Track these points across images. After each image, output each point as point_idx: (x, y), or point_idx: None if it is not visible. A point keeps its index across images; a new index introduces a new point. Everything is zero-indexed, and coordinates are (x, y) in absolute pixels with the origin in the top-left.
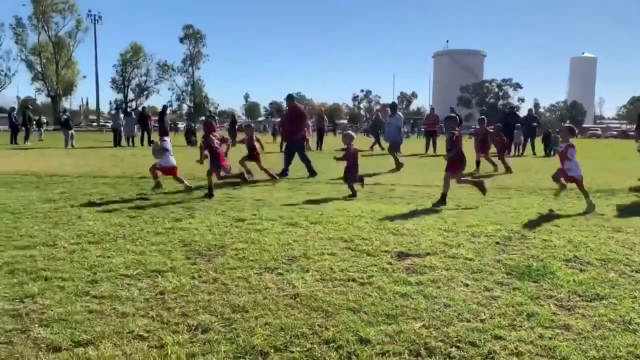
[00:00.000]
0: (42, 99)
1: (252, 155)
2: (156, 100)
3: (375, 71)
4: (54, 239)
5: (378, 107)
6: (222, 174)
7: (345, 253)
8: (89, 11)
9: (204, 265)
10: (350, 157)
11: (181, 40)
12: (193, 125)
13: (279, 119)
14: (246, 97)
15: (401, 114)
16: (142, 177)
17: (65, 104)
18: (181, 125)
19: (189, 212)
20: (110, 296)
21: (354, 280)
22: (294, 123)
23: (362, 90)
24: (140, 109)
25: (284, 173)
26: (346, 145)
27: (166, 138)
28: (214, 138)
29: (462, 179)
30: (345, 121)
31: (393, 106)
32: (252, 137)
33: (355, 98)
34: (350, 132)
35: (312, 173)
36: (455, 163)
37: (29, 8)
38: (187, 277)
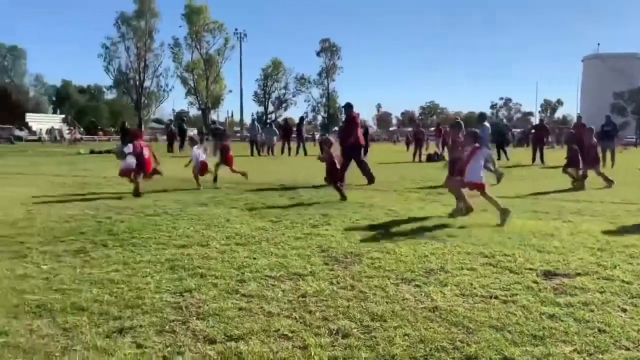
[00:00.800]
0: (193, 111)
1: (226, 160)
2: (293, 112)
3: (516, 77)
4: (206, 240)
5: (519, 115)
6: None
7: (485, 269)
8: (236, 29)
9: (341, 272)
10: (327, 160)
11: (318, 53)
12: (327, 135)
13: (410, 129)
14: (378, 107)
15: (488, 125)
16: (281, 184)
17: (213, 116)
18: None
19: (325, 219)
20: (257, 295)
21: (496, 297)
22: (347, 130)
23: (501, 98)
24: (281, 120)
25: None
26: (325, 149)
27: (129, 145)
28: (139, 145)
29: (456, 187)
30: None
31: (481, 117)
32: (228, 144)
33: (493, 106)
34: (329, 137)
35: (370, 179)
36: (453, 169)
37: (185, 29)
38: (326, 282)
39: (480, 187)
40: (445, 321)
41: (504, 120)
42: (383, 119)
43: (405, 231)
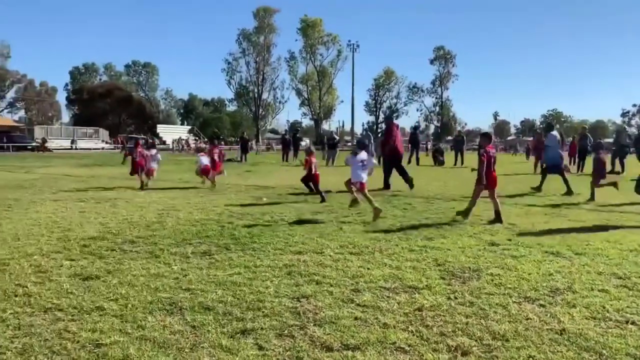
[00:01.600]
0: (306, 122)
1: (214, 166)
2: (405, 121)
3: None
4: (321, 248)
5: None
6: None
7: (620, 291)
8: (349, 41)
9: (459, 287)
10: (307, 167)
11: (431, 61)
12: (440, 145)
13: (531, 138)
14: (495, 115)
15: (555, 133)
16: (393, 195)
17: (325, 126)
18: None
19: (440, 232)
20: (372, 306)
21: (633, 323)
22: (385, 140)
23: (634, 105)
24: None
25: (386, 186)
26: (307, 157)
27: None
28: (139, 151)
29: (479, 194)
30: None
31: (548, 126)
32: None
33: (625, 114)
34: (311, 147)
35: (410, 184)
36: (480, 178)
37: (300, 43)
38: (442, 296)
39: (361, 187)
40: (575, 345)
41: (627, 129)
42: (500, 127)
43: (527, 247)
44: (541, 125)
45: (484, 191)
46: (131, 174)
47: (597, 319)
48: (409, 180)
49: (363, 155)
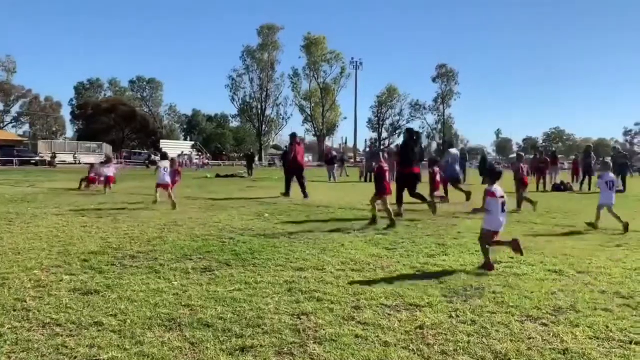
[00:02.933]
0: (309, 138)
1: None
2: None
3: None
4: (322, 264)
5: None
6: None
7: (623, 311)
8: (352, 58)
9: (460, 305)
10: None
11: (434, 79)
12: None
13: (532, 157)
14: (497, 133)
15: (455, 151)
16: (395, 211)
17: (328, 142)
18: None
19: (442, 249)
20: (373, 324)
21: (636, 343)
22: (288, 155)
23: (637, 124)
24: (394, 147)
25: (287, 194)
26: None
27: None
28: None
29: (380, 203)
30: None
31: (449, 144)
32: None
33: (627, 132)
34: (174, 158)
35: (304, 195)
36: (377, 188)
37: (304, 60)
38: (444, 315)
39: (170, 185)
40: None
41: (618, 147)
42: (502, 145)
43: (529, 265)
44: (543, 144)
45: (379, 199)
46: (86, 184)
47: (600, 338)
48: (304, 192)
49: (166, 164)
